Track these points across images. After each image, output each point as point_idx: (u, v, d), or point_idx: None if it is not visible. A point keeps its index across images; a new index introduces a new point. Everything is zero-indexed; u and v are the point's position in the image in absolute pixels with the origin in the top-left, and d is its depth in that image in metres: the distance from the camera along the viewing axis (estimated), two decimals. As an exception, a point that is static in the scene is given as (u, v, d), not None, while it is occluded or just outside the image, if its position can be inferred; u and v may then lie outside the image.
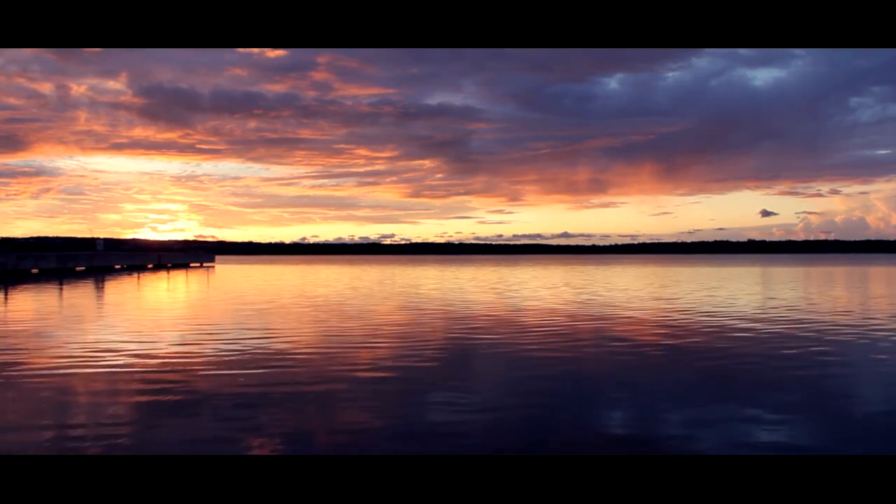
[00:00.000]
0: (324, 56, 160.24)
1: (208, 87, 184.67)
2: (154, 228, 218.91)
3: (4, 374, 9.65)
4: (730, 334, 14.22)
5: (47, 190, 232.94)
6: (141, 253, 73.94)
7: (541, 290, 29.29)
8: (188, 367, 10.12)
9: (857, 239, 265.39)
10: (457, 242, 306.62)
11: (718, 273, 51.70)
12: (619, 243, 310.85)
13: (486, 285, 34.47)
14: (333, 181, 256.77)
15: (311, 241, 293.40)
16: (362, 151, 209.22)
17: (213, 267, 77.48)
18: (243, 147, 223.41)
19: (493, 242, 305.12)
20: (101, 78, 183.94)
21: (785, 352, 11.73)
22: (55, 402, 7.88)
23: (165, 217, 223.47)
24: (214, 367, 10.23)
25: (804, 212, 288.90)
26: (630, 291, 28.77)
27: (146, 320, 17.14)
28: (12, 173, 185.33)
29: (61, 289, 30.05)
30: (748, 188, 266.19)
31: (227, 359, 10.95)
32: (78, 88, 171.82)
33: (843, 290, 29.09)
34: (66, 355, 11.23)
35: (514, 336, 13.86)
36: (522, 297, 24.97)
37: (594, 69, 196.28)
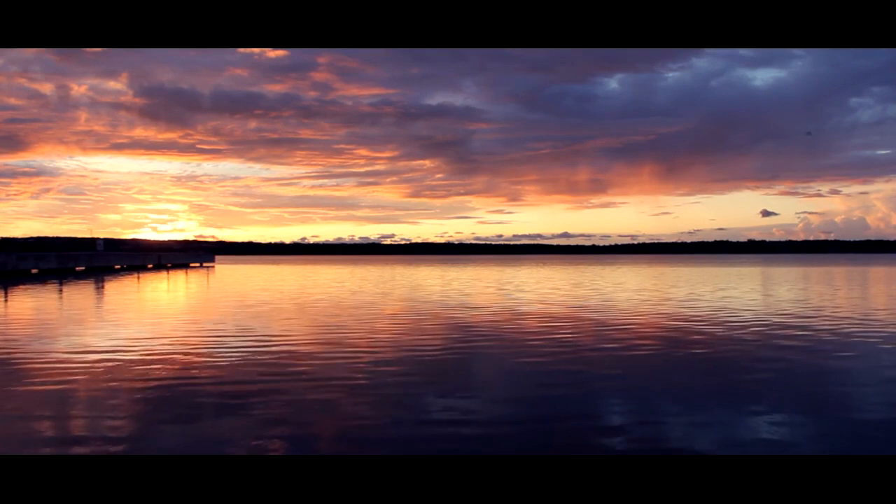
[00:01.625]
0: (324, 56, 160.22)
1: (209, 87, 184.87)
2: (154, 228, 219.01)
3: (4, 374, 9.66)
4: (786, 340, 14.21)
5: (47, 190, 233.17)
6: (141, 253, 73.93)
7: (561, 293, 28.85)
8: (188, 368, 10.13)
9: (857, 239, 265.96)
10: (457, 242, 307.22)
11: (730, 273, 51.04)
12: (619, 243, 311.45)
13: (499, 287, 34.33)
14: (334, 181, 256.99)
15: (311, 241, 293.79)
16: (363, 152, 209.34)
17: (212, 267, 77.50)
18: (244, 147, 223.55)
19: (494, 242, 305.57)
20: (102, 78, 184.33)
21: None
22: (54, 405, 7.88)
23: (165, 217, 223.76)
24: (216, 368, 10.23)
25: (804, 212, 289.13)
26: (657, 293, 28.33)
27: (146, 321, 17.14)
28: (13, 173, 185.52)
29: (61, 289, 30.05)
30: (748, 188, 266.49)
31: (228, 360, 10.95)
32: (78, 89, 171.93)
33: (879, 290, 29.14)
34: (63, 357, 11.23)
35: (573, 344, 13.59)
36: (557, 302, 23.76)
37: (594, 69, 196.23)
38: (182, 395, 8.24)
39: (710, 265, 77.67)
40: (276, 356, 11.18)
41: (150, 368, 10.01)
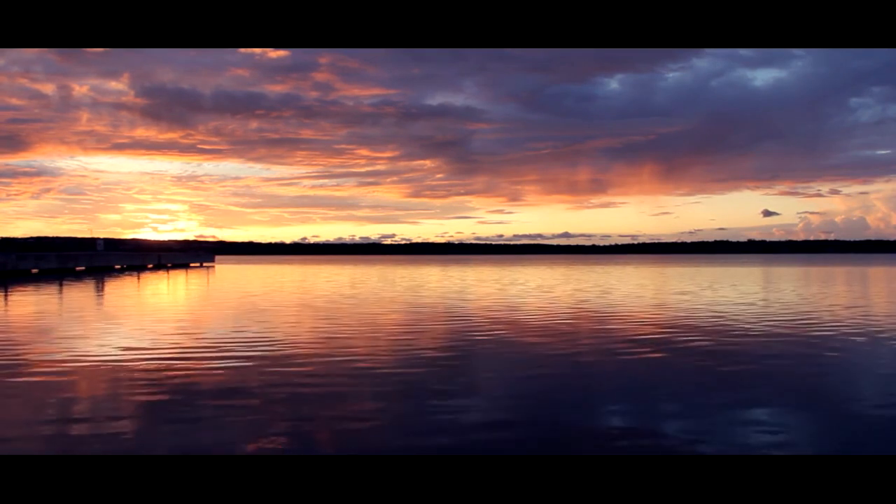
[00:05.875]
0: (325, 56, 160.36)
1: (210, 87, 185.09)
2: (154, 228, 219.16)
3: (4, 376, 9.66)
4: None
5: (48, 190, 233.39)
6: (141, 253, 73.93)
7: (593, 295, 28.92)
8: (188, 369, 10.12)
9: (857, 239, 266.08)
10: (457, 242, 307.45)
11: (749, 273, 50.08)
12: (620, 243, 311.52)
13: (528, 291, 34.21)
14: (334, 181, 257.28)
15: (312, 241, 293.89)
16: (363, 152, 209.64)
17: (212, 267, 77.50)
18: (244, 147, 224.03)
19: (494, 242, 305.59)
20: (103, 78, 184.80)
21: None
22: (54, 405, 7.88)
23: (166, 217, 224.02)
24: (216, 369, 10.22)
25: (804, 212, 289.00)
26: (694, 294, 27.89)
27: (146, 321, 17.14)
28: (13, 173, 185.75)
29: (61, 290, 30.04)
30: (748, 188, 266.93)
31: (228, 362, 10.94)
32: (80, 89, 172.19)
33: None
34: (60, 358, 11.22)
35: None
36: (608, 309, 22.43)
37: (594, 69, 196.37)
38: (179, 397, 8.24)
39: (717, 265, 76.74)
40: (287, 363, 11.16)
41: (154, 370, 10.01)
